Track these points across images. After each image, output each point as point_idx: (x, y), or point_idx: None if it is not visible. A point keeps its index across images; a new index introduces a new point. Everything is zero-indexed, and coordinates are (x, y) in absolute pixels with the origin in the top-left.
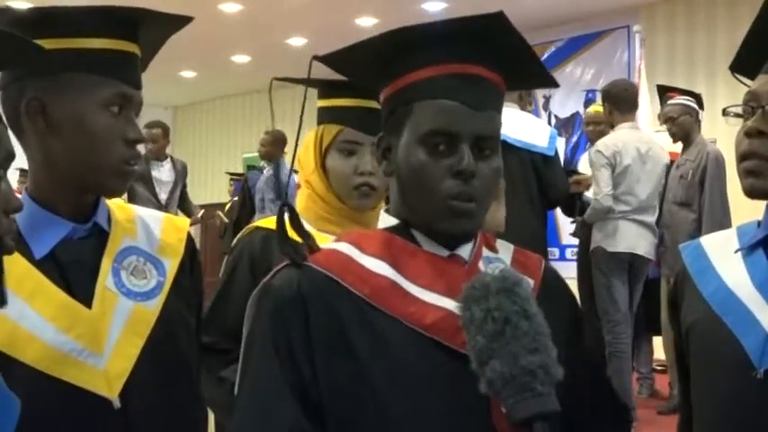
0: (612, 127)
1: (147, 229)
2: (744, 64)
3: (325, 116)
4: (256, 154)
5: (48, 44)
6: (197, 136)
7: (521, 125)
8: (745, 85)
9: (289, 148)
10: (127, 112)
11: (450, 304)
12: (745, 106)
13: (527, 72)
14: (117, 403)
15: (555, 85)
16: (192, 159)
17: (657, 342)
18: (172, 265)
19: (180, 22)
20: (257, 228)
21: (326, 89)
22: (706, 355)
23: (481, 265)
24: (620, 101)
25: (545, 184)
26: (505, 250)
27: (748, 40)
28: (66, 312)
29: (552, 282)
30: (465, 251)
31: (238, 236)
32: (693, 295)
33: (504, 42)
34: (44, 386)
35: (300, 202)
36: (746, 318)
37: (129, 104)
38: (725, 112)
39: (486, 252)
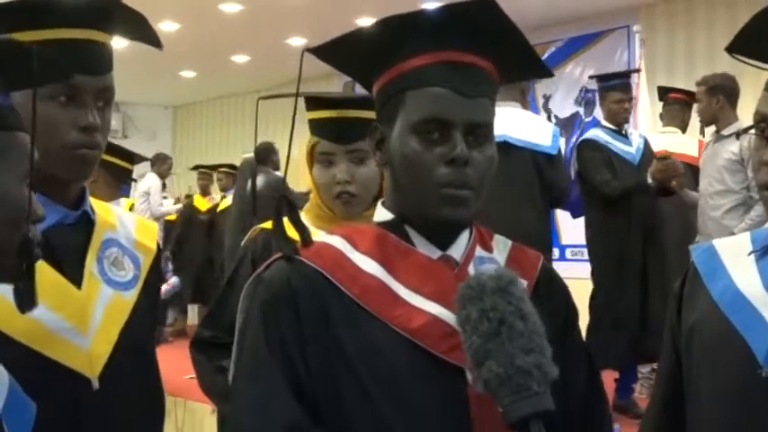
0: (711, 120)
1: (125, 226)
2: (749, 43)
3: (310, 128)
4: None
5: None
6: (197, 136)
7: (523, 125)
8: (750, 65)
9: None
10: (80, 100)
11: (436, 309)
12: (757, 127)
13: (519, 60)
14: (96, 384)
15: (549, 74)
16: (191, 159)
17: None
18: (145, 262)
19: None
20: (261, 229)
21: (307, 102)
22: (710, 354)
23: (471, 267)
24: (735, 95)
25: (548, 184)
26: (502, 248)
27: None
28: (57, 291)
29: (547, 280)
30: (457, 251)
31: (246, 237)
32: (701, 294)
33: (495, 29)
34: (27, 360)
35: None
36: (753, 317)
37: (81, 92)
38: (738, 136)
39: (479, 251)
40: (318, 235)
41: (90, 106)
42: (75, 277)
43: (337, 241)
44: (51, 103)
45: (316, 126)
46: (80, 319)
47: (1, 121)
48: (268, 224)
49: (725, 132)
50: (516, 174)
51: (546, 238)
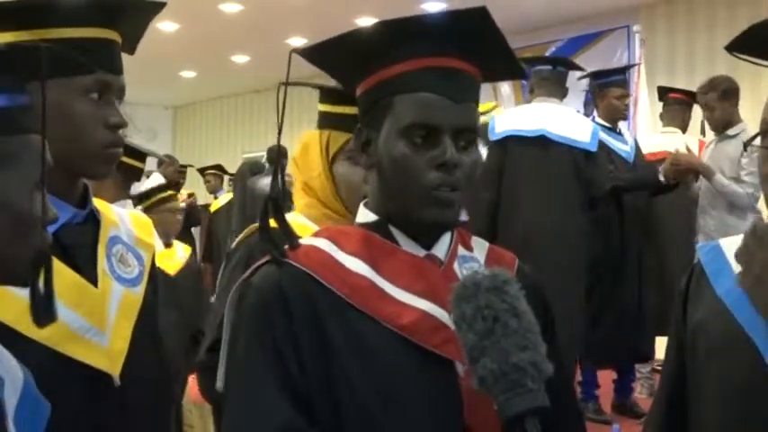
0: (726, 125)
1: (125, 223)
2: (748, 43)
3: (332, 122)
4: (256, 154)
5: (29, 36)
6: (197, 136)
7: (562, 120)
8: (751, 62)
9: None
10: (107, 98)
11: (426, 305)
12: (764, 136)
13: (502, 64)
14: (117, 380)
15: (524, 75)
16: (191, 159)
17: (659, 342)
18: (147, 258)
19: (155, 7)
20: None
21: (336, 96)
22: (715, 352)
23: (456, 265)
24: (738, 94)
25: (586, 181)
26: (480, 248)
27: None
28: (75, 291)
29: (525, 281)
30: (441, 250)
31: (241, 236)
32: (706, 292)
33: (484, 37)
34: (51, 362)
35: (298, 204)
36: (758, 315)
37: (110, 90)
38: (745, 148)
39: (461, 251)
40: (303, 238)
41: (114, 104)
42: (90, 276)
43: (323, 243)
44: (84, 100)
45: (352, 122)
46: (98, 318)
47: (12, 124)
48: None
49: (731, 132)
50: (553, 170)
51: (581, 235)
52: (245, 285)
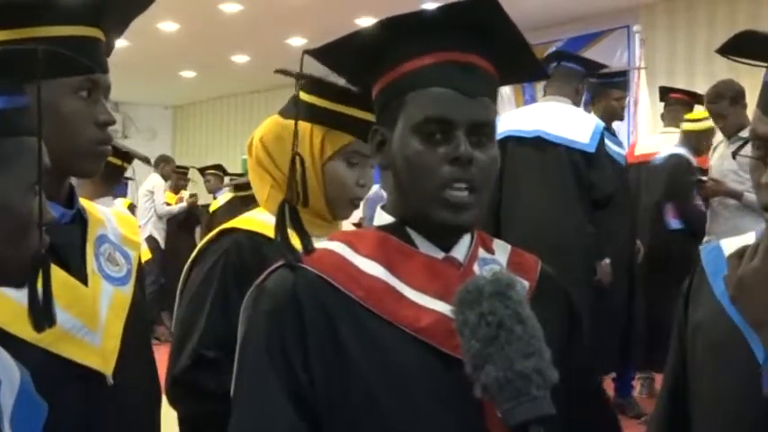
0: (739, 129)
1: (110, 222)
2: (741, 46)
3: (330, 120)
4: None
5: (14, 35)
6: (197, 136)
7: (561, 120)
8: (746, 64)
9: None
10: (96, 96)
11: (443, 307)
12: (753, 145)
13: (518, 60)
14: (110, 379)
15: (545, 75)
16: (191, 159)
17: None
18: (134, 256)
19: (140, 3)
20: (236, 229)
21: (340, 95)
22: (713, 352)
23: (476, 267)
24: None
25: (587, 184)
26: (502, 251)
27: None
28: (67, 291)
29: (548, 284)
30: (460, 252)
31: (208, 238)
32: (706, 294)
33: (495, 28)
34: (45, 363)
35: (264, 199)
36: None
37: (98, 89)
38: (734, 156)
39: (482, 253)
40: (318, 242)
41: (103, 102)
42: (80, 275)
43: (338, 246)
44: (74, 98)
45: (355, 124)
46: (90, 317)
47: (8, 126)
48: (241, 223)
49: (743, 134)
50: (551, 170)
51: (578, 239)
52: (258, 290)
